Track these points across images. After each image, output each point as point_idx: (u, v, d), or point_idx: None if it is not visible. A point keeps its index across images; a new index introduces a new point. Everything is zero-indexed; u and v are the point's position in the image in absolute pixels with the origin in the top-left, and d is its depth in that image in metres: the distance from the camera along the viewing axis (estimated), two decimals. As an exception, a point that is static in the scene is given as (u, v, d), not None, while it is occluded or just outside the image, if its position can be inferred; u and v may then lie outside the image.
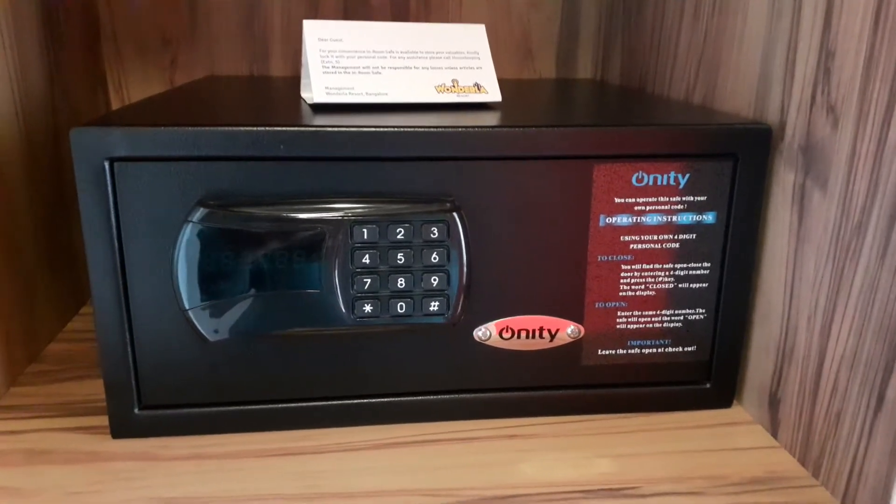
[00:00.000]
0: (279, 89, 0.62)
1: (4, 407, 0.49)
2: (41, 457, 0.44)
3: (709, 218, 0.46)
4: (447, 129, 0.43)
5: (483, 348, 0.47)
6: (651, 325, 0.48)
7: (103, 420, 0.47)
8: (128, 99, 0.76)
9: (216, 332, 0.44)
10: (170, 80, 0.76)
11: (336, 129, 0.42)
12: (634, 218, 0.46)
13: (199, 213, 0.42)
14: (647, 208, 0.45)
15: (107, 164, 0.41)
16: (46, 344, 0.59)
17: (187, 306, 0.43)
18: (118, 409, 0.45)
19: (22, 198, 0.55)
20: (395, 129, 0.42)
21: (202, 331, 0.43)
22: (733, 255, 0.47)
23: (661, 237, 0.46)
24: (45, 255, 0.59)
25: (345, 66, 0.49)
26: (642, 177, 0.45)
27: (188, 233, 0.42)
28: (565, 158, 0.44)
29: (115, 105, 0.76)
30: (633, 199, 0.45)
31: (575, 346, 0.48)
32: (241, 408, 0.46)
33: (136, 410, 0.45)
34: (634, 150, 0.44)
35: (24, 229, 0.55)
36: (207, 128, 0.41)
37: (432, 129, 0.42)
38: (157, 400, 0.46)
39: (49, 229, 0.60)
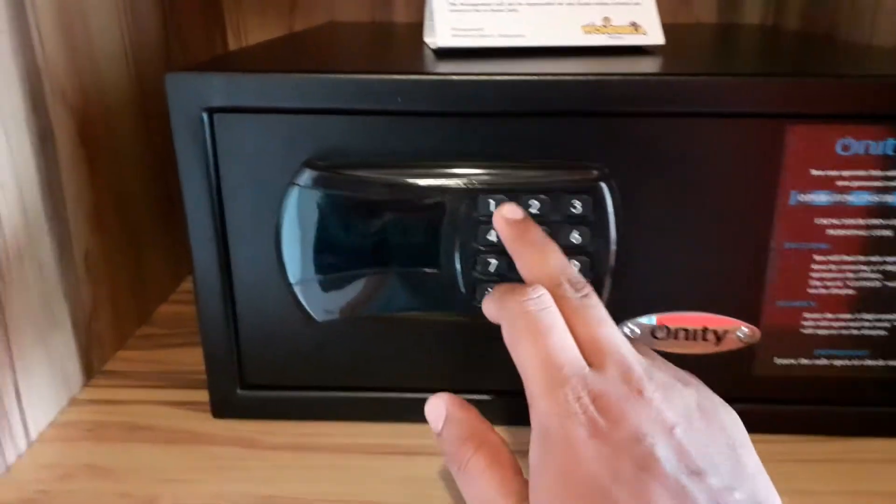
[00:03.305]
0: (401, 35, 0.56)
1: (109, 372, 0.47)
2: (139, 433, 0.41)
3: (937, 198, 0.36)
4: (599, 78, 0.34)
5: (629, 347, 0.39)
6: (846, 331, 0.38)
7: (206, 395, 0.43)
8: (246, 43, 0.72)
9: (324, 311, 0.38)
10: (289, 25, 0.71)
11: (463, 77, 0.35)
12: (836, 196, 0.36)
13: (306, 175, 0.36)
14: (854, 184, 0.35)
15: (205, 115, 0.36)
16: (158, 304, 0.57)
17: (293, 281, 0.38)
18: (219, 388, 0.41)
19: (132, 147, 0.52)
20: (534, 77, 0.35)
21: (309, 309, 0.38)
22: (967, 246, 0.36)
23: (868, 222, 0.36)
24: (156, 209, 0.56)
25: (474, 2, 0.41)
26: (849, 144, 0.35)
27: (294, 197, 0.37)
28: (751, 117, 0.35)
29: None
30: (836, 172, 0.35)
31: (746, 351, 0.39)
32: (349, 394, 0.41)
33: (238, 390, 0.41)
34: (843, 109, 0.34)
35: (134, 181, 0.53)
36: (315, 75, 0.35)
37: (581, 78, 0.34)
38: (259, 380, 0.41)
39: (160, 181, 0.57)
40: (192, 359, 0.49)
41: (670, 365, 0.29)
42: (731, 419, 0.27)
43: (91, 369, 0.46)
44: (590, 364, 0.27)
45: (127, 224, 0.51)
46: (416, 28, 0.62)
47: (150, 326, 0.54)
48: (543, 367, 0.27)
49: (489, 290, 0.37)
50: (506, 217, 0.33)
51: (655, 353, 0.30)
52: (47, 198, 0.41)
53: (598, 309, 0.29)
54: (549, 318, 0.28)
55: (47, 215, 0.41)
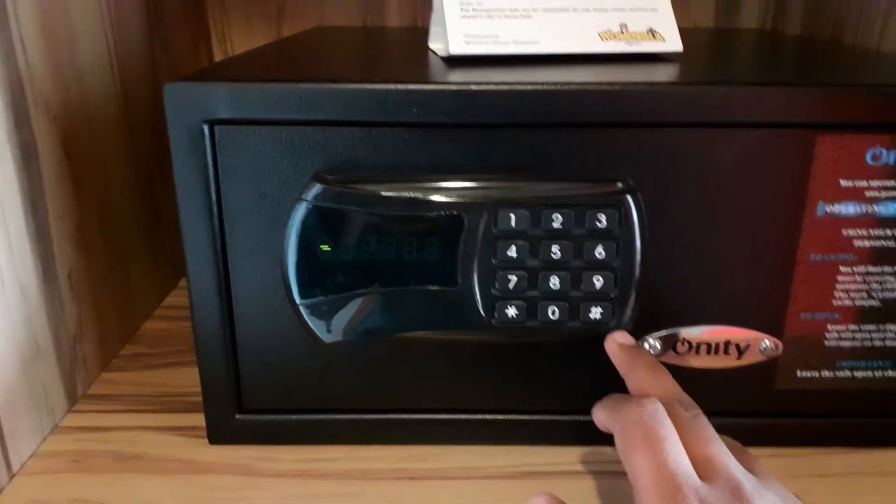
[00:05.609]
0: (400, 41, 0.54)
1: (95, 396, 0.44)
2: (130, 463, 0.38)
3: (965, 209, 0.35)
4: (621, 87, 0.33)
5: (651, 364, 0.38)
6: (869, 343, 0.37)
7: (200, 419, 0.41)
8: (232, 52, 0.70)
9: (330, 331, 0.36)
10: (277, 31, 0.69)
11: (483, 87, 0.33)
12: (865, 207, 0.35)
13: (315, 190, 0.34)
14: (883, 195, 0.35)
15: (206, 128, 0.34)
16: (143, 321, 0.54)
17: (299, 301, 0.36)
18: (216, 411, 0.39)
19: (117, 158, 0.49)
20: (558, 86, 0.33)
21: (315, 330, 0.36)
22: None
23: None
24: (141, 221, 0.53)
25: (487, 8, 0.39)
26: (880, 154, 0.34)
27: (301, 213, 0.34)
28: (780, 127, 0.34)
29: (218, 59, 0.70)
30: (865, 183, 0.34)
31: (769, 365, 0.38)
32: (356, 416, 0.39)
33: (236, 415, 0.39)
34: (874, 119, 0.34)
35: (119, 193, 0.50)
36: (326, 85, 0.33)
37: (606, 87, 0.33)
38: (260, 404, 0.39)
39: (146, 193, 0.54)
40: (183, 380, 0.46)
41: (780, 484, 0.29)
42: None
43: (75, 394, 0.44)
44: (701, 478, 0.27)
45: (112, 240, 0.49)
46: (409, 32, 0.61)
47: (135, 345, 0.51)
48: (657, 475, 0.27)
49: (509, 307, 0.35)
50: (619, 342, 0.35)
51: (768, 471, 0.30)
52: (30, 215, 0.39)
53: (708, 429, 0.30)
54: (664, 429, 0.28)
55: (31, 234, 0.39)
